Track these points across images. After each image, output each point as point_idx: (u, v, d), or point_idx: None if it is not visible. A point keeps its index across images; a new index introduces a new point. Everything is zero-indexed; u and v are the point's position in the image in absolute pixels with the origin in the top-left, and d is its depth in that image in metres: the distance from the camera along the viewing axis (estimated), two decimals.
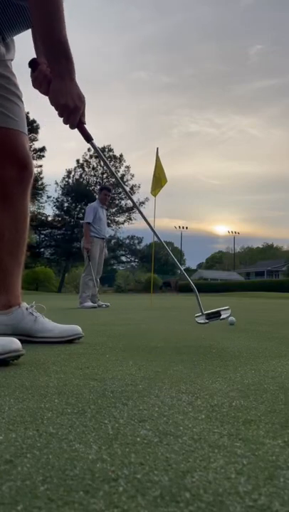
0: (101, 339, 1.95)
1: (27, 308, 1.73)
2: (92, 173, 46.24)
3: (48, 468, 0.54)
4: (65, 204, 44.83)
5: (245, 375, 1.15)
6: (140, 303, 8.47)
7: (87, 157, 46.05)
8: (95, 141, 1.74)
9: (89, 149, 46.00)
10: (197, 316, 1.91)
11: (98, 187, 43.20)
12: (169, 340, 1.96)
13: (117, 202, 44.84)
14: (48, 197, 44.11)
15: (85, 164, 46.20)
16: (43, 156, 40.22)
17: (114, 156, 45.44)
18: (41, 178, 40.22)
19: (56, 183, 45.44)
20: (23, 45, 1.84)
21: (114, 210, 44.52)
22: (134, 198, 44.03)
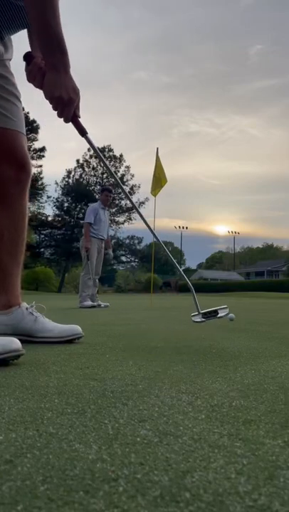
0: (101, 339, 1.95)
1: (27, 308, 1.73)
2: (92, 173, 46.25)
3: (48, 468, 0.54)
4: (65, 204, 44.84)
5: (245, 375, 1.15)
6: (140, 303, 8.47)
7: (87, 157, 46.05)
8: (89, 135, 1.73)
9: (89, 149, 46.00)
10: (193, 315, 1.90)
11: (98, 187, 43.19)
12: (169, 340, 1.96)
13: (117, 202, 44.83)
14: (48, 197, 44.11)
15: (85, 164, 46.21)
16: (43, 156, 40.21)
17: (114, 156, 45.44)
18: (41, 178, 40.21)
19: (56, 183, 45.44)
20: (22, 45, 1.84)
21: (114, 210, 44.51)
22: (134, 198, 43.98)
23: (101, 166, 45.32)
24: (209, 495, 0.47)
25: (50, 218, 44.48)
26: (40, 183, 39.65)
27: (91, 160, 45.98)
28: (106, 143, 45.47)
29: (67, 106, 1.56)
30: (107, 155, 45.21)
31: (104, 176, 45.41)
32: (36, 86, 1.59)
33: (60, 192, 45.32)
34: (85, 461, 0.57)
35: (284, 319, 3.76)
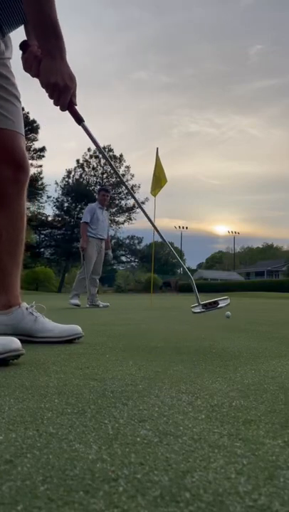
0: (101, 339, 1.95)
1: (27, 308, 1.73)
2: (92, 173, 46.24)
3: (48, 468, 0.54)
4: (65, 204, 44.83)
5: (245, 375, 1.15)
6: (140, 303, 8.47)
7: (87, 157, 46.05)
8: (86, 123, 1.70)
9: (89, 149, 46.00)
10: (193, 306, 1.89)
11: (98, 187, 43.29)
12: (169, 340, 1.96)
13: (117, 202, 44.83)
14: (48, 197, 44.10)
15: (85, 164, 46.20)
16: (43, 156, 40.19)
17: (114, 156, 45.42)
18: (41, 178, 40.19)
19: (56, 183, 45.44)
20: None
21: (114, 210, 44.50)
22: None
23: (101, 165, 45.29)
24: (209, 495, 0.47)
25: (50, 218, 44.48)
26: (40, 183, 39.63)
27: (91, 160, 45.98)
28: (106, 143, 45.37)
29: (63, 93, 1.53)
30: (107, 155, 45.25)
31: (104, 176, 45.41)
32: (32, 75, 1.57)
33: (60, 192, 45.33)
34: (85, 461, 0.57)
35: (284, 319, 3.76)
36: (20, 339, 1.31)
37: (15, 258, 1.77)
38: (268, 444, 0.64)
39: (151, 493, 0.48)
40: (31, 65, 1.57)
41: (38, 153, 39.41)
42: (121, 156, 45.42)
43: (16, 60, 1.78)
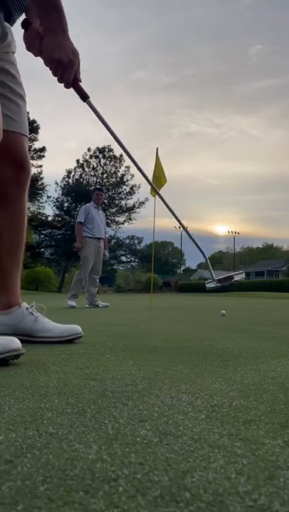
0: (101, 339, 1.95)
1: (27, 308, 1.73)
2: (92, 173, 46.22)
3: (48, 468, 0.54)
4: (65, 204, 44.82)
5: (245, 375, 1.15)
6: (140, 303, 8.47)
7: (87, 157, 46.04)
8: (91, 100, 1.67)
9: (89, 149, 46.00)
10: (208, 282, 1.87)
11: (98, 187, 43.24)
12: (169, 340, 1.96)
13: (117, 202, 44.84)
14: (48, 197, 44.10)
15: (85, 164, 46.18)
16: (43, 156, 40.19)
17: (114, 156, 45.40)
18: (41, 178, 40.19)
19: (56, 183, 45.43)
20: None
21: (114, 210, 44.49)
22: (134, 198, 43.88)
23: (101, 165, 45.27)
24: (209, 495, 0.47)
25: (50, 218, 44.47)
26: (40, 183, 39.63)
27: (91, 160, 45.97)
28: (106, 143, 45.36)
29: (67, 69, 1.50)
30: (107, 155, 45.18)
31: (104, 176, 45.39)
32: (35, 53, 1.55)
33: (60, 192, 45.32)
34: (85, 461, 0.57)
35: (284, 319, 3.76)
36: (20, 339, 1.31)
37: (15, 258, 1.77)
38: (268, 444, 0.64)
39: (151, 493, 0.48)
40: (34, 43, 1.54)
41: (38, 153, 39.41)
42: (121, 156, 45.38)
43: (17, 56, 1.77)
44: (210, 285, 1.83)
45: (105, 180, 45.33)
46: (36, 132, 38.43)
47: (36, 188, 38.85)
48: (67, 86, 1.56)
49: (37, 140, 39.11)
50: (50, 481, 0.51)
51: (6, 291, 1.73)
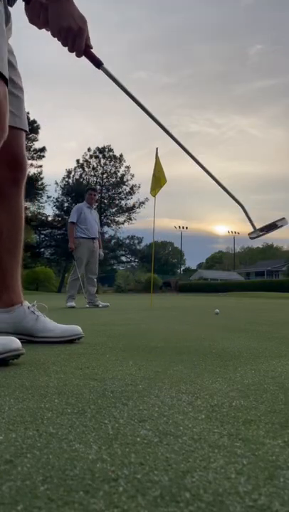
0: (101, 339, 1.95)
1: (29, 307, 1.73)
2: (92, 173, 46.21)
3: (48, 468, 0.54)
4: (65, 204, 44.79)
5: (245, 375, 1.15)
6: (140, 303, 8.47)
7: (87, 157, 46.02)
8: (105, 65, 1.61)
9: (89, 149, 45.99)
10: (250, 233, 1.82)
11: (98, 187, 43.13)
12: (169, 340, 1.96)
13: (117, 202, 44.83)
14: (48, 197, 44.09)
15: (85, 164, 46.17)
16: (43, 156, 40.19)
17: (114, 156, 45.40)
18: (41, 178, 40.17)
19: (56, 183, 45.41)
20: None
21: (114, 210, 44.49)
22: (134, 198, 43.82)
23: (101, 165, 45.24)
24: (209, 495, 0.47)
25: (50, 218, 44.46)
26: (40, 183, 39.62)
27: (91, 160, 45.96)
28: (106, 143, 45.42)
29: (78, 37, 1.44)
30: (107, 155, 45.16)
31: (105, 176, 45.38)
32: (40, 25, 1.49)
33: (60, 192, 45.31)
34: (85, 461, 0.57)
35: (284, 319, 3.76)
36: (20, 339, 1.31)
37: (15, 256, 1.77)
38: (268, 444, 0.64)
39: (151, 493, 0.48)
40: (38, 14, 1.48)
41: (38, 153, 39.42)
42: (121, 156, 45.38)
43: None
44: (253, 235, 1.80)
45: (105, 180, 45.31)
46: (36, 132, 38.42)
47: (36, 188, 38.84)
48: (79, 55, 1.50)
49: (37, 140, 39.12)
50: (50, 481, 0.51)
51: (8, 289, 1.73)
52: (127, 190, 44.88)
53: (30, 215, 39.79)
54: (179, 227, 63.19)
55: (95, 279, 6.62)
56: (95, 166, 45.98)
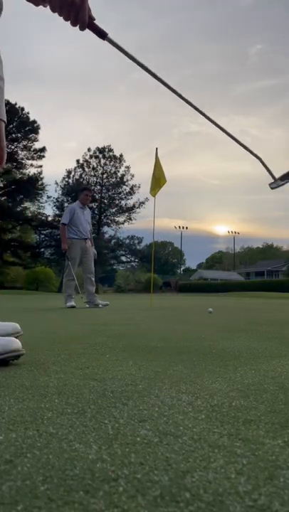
0: (101, 339, 1.95)
1: None
2: (92, 173, 46.18)
3: (48, 468, 0.54)
4: (65, 204, 44.68)
5: (245, 375, 1.15)
6: (140, 303, 8.47)
7: (87, 157, 46.00)
8: (110, 36, 1.56)
9: (89, 149, 45.99)
10: (271, 183, 1.81)
11: (98, 187, 43.06)
12: (169, 340, 1.96)
13: (117, 202, 44.82)
14: (48, 197, 44.03)
15: (85, 164, 46.15)
16: (43, 157, 40.14)
17: (114, 156, 45.38)
18: (41, 178, 40.12)
19: (56, 183, 45.37)
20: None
21: (114, 210, 44.47)
22: (134, 198, 43.79)
23: (101, 166, 45.26)
24: (209, 495, 0.47)
25: (50, 218, 44.41)
26: (40, 183, 39.58)
27: (91, 160, 45.94)
28: (106, 143, 45.39)
29: (81, 9, 1.40)
30: (107, 155, 45.16)
31: (105, 176, 45.37)
32: (37, 2, 1.43)
33: (60, 192, 45.27)
34: (85, 461, 0.57)
35: (284, 319, 3.76)
36: None
37: None
38: (268, 444, 0.64)
39: (151, 493, 0.48)
40: None
41: (38, 153, 39.38)
42: (121, 156, 45.37)
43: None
44: (274, 185, 1.77)
45: (105, 180, 45.30)
46: (36, 133, 38.41)
47: (36, 188, 38.82)
48: (83, 27, 1.46)
49: (37, 140, 39.09)
50: (50, 481, 0.51)
51: None
52: (127, 190, 44.88)
53: (30, 215, 39.78)
54: (179, 227, 63.18)
55: (93, 278, 6.62)
56: (95, 166, 45.96)
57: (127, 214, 45.89)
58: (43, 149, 39.86)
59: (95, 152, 46.54)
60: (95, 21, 1.50)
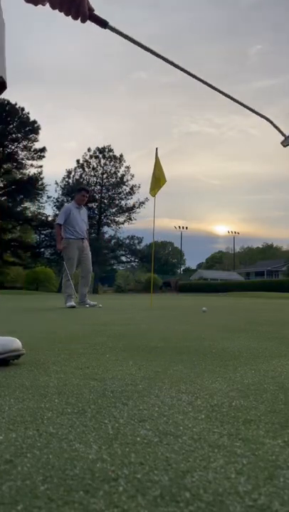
0: (101, 339, 1.95)
1: None
2: (92, 173, 46.17)
3: (48, 468, 0.54)
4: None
5: (245, 375, 1.15)
6: (140, 303, 8.47)
7: (87, 157, 45.99)
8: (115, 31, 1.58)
9: (89, 149, 45.99)
10: (283, 141, 1.84)
11: (98, 187, 43.04)
12: (169, 340, 1.96)
13: (117, 202, 44.81)
14: (48, 197, 44.01)
15: (85, 164, 46.14)
16: (44, 157, 40.13)
17: (114, 156, 45.38)
18: (41, 179, 40.11)
19: (56, 183, 45.36)
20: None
21: (114, 210, 44.47)
22: (134, 198, 43.81)
23: (101, 166, 45.27)
24: (209, 495, 0.47)
25: (50, 218, 44.39)
26: (40, 183, 39.57)
27: (91, 160, 45.93)
28: (106, 143, 45.39)
29: (81, 4, 1.42)
30: (107, 155, 45.16)
31: (105, 176, 45.38)
32: (37, 2, 1.44)
33: (60, 192, 45.25)
34: (85, 461, 0.57)
35: (284, 319, 3.76)
36: None
37: None
38: (268, 444, 0.64)
39: (151, 493, 0.48)
40: None
41: (39, 153, 39.37)
42: (121, 156, 45.37)
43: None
44: (286, 142, 1.80)
45: (105, 180, 45.29)
46: (37, 133, 38.39)
47: (36, 188, 38.82)
48: (84, 20, 1.48)
49: (37, 140, 39.08)
50: (50, 480, 0.51)
51: None
52: (127, 191, 44.86)
53: (30, 215, 39.78)
54: (179, 227, 63.15)
55: (89, 278, 6.61)
56: (95, 166, 45.96)
57: (127, 214, 45.86)
58: (43, 149, 39.84)
59: (95, 152, 46.52)
60: (94, 12, 1.51)
